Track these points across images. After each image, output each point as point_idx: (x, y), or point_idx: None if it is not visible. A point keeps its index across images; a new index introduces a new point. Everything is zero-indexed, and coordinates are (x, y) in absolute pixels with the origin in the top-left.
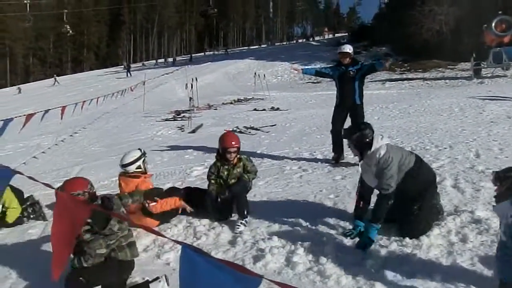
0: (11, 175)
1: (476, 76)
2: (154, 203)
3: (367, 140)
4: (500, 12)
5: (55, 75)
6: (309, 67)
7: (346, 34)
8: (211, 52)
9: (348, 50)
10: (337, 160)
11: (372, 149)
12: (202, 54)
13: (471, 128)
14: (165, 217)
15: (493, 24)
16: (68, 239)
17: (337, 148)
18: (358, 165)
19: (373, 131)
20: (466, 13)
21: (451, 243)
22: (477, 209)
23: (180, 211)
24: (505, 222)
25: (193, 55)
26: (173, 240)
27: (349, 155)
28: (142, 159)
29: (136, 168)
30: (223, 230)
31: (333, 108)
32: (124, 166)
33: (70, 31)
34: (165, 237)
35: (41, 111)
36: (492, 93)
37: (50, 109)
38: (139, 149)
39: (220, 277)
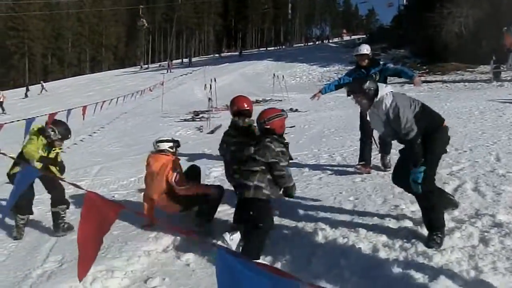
0: (36, 175)
1: (495, 79)
2: (183, 187)
3: (373, 88)
4: None
5: (42, 82)
6: (328, 83)
7: (364, 36)
8: (227, 53)
9: (365, 51)
10: (365, 169)
11: (379, 96)
12: (216, 55)
13: (491, 131)
14: (187, 204)
15: None
16: (95, 240)
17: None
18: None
19: (376, 83)
20: (486, 15)
21: (473, 246)
22: (498, 213)
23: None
24: None
25: (205, 56)
26: (206, 242)
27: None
28: (176, 145)
29: (169, 147)
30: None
31: (353, 110)
32: (158, 142)
33: (146, 24)
34: (191, 234)
35: (64, 111)
36: None
37: (72, 109)
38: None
39: (257, 281)
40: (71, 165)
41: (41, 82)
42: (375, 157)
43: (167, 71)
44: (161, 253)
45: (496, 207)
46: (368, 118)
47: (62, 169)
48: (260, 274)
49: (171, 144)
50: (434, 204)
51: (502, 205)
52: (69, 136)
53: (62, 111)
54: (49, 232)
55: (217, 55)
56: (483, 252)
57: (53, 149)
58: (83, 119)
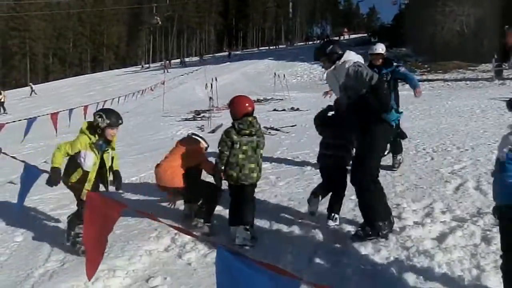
0: (38, 174)
1: (497, 78)
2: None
3: (336, 53)
4: None
5: (30, 84)
6: None
7: (366, 34)
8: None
9: (380, 51)
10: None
11: (342, 59)
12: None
13: (493, 129)
14: (194, 187)
15: None
16: (100, 240)
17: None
18: None
19: (343, 49)
20: (487, 13)
21: (475, 245)
22: None
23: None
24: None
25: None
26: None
27: None
28: (207, 146)
29: (203, 141)
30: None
31: None
32: (194, 134)
33: (160, 22)
34: (192, 235)
35: (65, 110)
36: None
37: (73, 108)
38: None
39: (257, 279)
40: None
41: (30, 84)
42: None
43: (164, 72)
44: (163, 252)
45: None
46: (325, 79)
47: (117, 179)
48: (260, 273)
49: (205, 144)
50: (370, 198)
51: None
52: (120, 122)
53: (64, 110)
54: (51, 231)
55: (226, 53)
56: (485, 250)
57: (107, 149)
58: (85, 118)
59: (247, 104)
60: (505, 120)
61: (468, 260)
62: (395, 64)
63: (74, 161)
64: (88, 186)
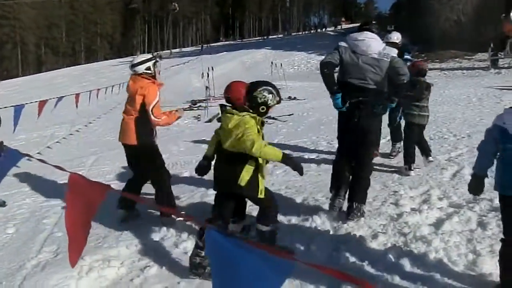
0: (20, 157)
1: (493, 67)
2: (158, 120)
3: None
4: None
5: None
6: None
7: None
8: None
9: (395, 40)
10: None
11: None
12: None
13: (489, 117)
14: (145, 151)
15: (511, 14)
16: (83, 224)
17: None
18: None
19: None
20: (484, 3)
21: (471, 230)
22: (496, 197)
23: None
24: None
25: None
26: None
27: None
28: (153, 61)
29: (146, 69)
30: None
31: None
32: (133, 66)
33: (177, 8)
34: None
35: (54, 98)
36: (509, 83)
37: (63, 96)
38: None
39: (251, 261)
40: (67, 155)
41: None
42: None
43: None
44: (159, 242)
45: (494, 191)
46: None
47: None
48: (253, 253)
49: (147, 64)
50: (369, 176)
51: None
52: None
53: (52, 98)
54: (44, 223)
55: (239, 41)
56: (481, 235)
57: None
58: (76, 107)
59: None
60: (501, 108)
61: (465, 245)
62: (406, 57)
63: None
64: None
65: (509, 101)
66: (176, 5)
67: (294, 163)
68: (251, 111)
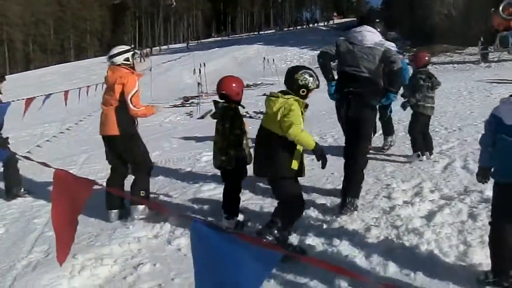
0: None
1: (483, 60)
2: (137, 109)
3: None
4: None
5: None
6: None
7: (355, 19)
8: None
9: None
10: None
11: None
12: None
13: (479, 110)
14: (126, 141)
15: (500, 8)
16: (70, 220)
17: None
18: None
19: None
20: None
21: (462, 222)
22: (486, 189)
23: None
24: None
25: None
26: (181, 215)
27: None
28: (131, 52)
29: (124, 60)
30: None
31: None
32: (111, 57)
33: (174, 3)
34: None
35: (42, 96)
36: (499, 77)
37: (51, 94)
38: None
39: (236, 252)
40: (58, 154)
41: None
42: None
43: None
44: (152, 239)
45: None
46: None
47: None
48: (239, 245)
49: (125, 55)
50: (362, 170)
51: (490, 181)
52: None
53: (40, 96)
54: (35, 223)
55: (231, 36)
56: (471, 227)
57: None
58: (66, 105)
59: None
60: (491, 101)
61: (456, 237)
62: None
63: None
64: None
65: (498, 94)
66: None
67: (322, 155)
68: (292, 93)
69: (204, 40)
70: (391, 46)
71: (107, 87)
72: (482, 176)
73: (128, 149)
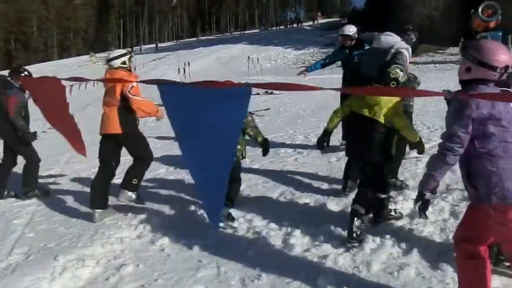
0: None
1: None
2: (138, 98)
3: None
4: None
5: None
6: (314, 62)
7: (339, 19)
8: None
9: (347, 32)
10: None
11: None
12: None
13: None
14: (128, 139)
15: (480, 10)
16: (64, 116)
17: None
18: None
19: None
20: None
21: (444, 220)
22: None
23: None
24: None
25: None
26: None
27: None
28: (128, 56)
29: (121, 63)
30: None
31: (328, 92)
32: (109, 60)
33: (175, 1)
34: None
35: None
36: None
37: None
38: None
39: (206, 98)
40: (40, 153)
41: None
42: None
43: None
44: (135, 239)
45: None
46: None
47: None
48: (208, 92)
49: (123, 58)
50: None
51: None
52: None
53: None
54: (15, 224)
55: (240, 32)
56: (453, 225)
57: None
58: None
59: None
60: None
61: (438, 235)
62: (367, 47)
63: None
64: None
65: None
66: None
67: (423, 148)
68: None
69: (187, 40)
70: (403, 45)
71: (106, 90)
72: None
73: (132, 145)
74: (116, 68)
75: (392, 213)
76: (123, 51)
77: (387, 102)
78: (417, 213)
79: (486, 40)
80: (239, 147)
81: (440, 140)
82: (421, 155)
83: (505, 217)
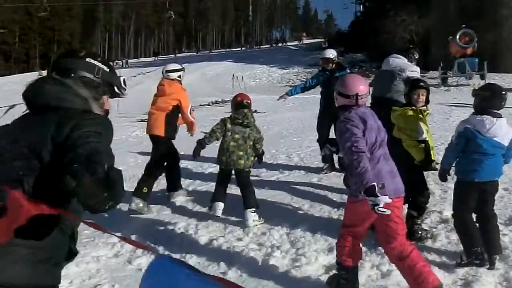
0: None
1: (443, 84)
2: (194, 120)
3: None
4: (463, 26)
5: None
6: (294, 86)
7: (323, 39)
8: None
9: (329, 56)
10: (329, 169)
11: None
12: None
13: (439, 132)
14: (167, 140)
15: (457, 37)
16: None
17: (328, 157)
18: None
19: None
20: (433, 24)
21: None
22: (445, 209)
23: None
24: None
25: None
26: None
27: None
28: (182, 71)
29: (178, 77)
30: (198, 232)
31: (311, 112)
32: (168, 71)
33: (173, 16)
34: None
35: (4, 107)
36: (457, 100)
37: (15, 104)
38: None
39: None
40: None
41: None
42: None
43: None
44: (112, 258)
45: (444, 204)
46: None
47: None
48: (207, 285)
49: (179, 73)
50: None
51: (448, 202)
52: None
53: (3, 107)
54: None
55: (225, 50)
56: (431, 246)
57: None
58: None
59: (239, 98)
60: (450, 123)
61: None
62: (348, 71)
63: None
64: None
65: (457, 117)
66: (172, 12)
67: None
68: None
69: (171, 55)
70: (411, 68)
71: (162, 95)
72: (444, 176)
73: (161, 148)
74: (173, 79)
75: (420, 232)
76: (179, 66)
77: None
78: None
79: (347, 75)
80: (252, 158)
81: None
82: None
83: None
